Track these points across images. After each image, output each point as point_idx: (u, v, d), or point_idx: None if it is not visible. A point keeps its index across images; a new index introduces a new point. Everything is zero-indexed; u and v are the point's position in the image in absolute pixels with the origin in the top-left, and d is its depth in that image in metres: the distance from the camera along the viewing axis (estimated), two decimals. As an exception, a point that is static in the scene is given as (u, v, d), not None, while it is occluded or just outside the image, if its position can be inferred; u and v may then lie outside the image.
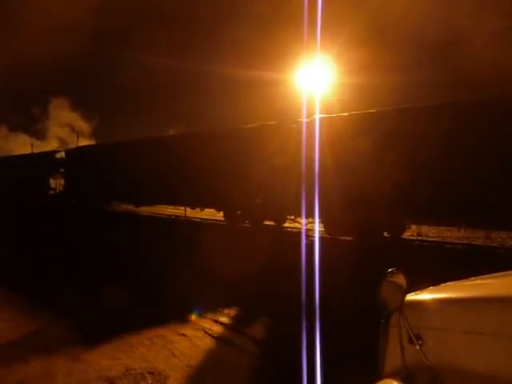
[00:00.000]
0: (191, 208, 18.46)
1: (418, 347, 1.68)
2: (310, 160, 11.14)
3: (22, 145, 40.83)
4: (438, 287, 2.00)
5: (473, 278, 2.10)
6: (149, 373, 3.69)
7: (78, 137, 39.28)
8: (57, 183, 26.23)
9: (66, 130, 43.78)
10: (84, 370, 3.74)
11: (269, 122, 13.82)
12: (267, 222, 14.57)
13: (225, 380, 3.64)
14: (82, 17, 37.23)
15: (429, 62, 25.51)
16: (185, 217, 18.69)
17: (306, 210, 11.37)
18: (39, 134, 43.54)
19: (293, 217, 13.92)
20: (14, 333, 4.65)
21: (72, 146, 36.25)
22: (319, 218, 11.99)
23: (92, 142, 36.24)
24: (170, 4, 42.63)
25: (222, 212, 16.37)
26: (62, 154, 25.44)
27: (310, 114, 12.24)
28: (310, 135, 11.53)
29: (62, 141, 42.95)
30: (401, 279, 1.80)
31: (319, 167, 11.08)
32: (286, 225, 14.69)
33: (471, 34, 23.01)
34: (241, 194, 13.40)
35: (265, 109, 27.15)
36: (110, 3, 37.58)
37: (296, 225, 14.35)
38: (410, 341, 1.71)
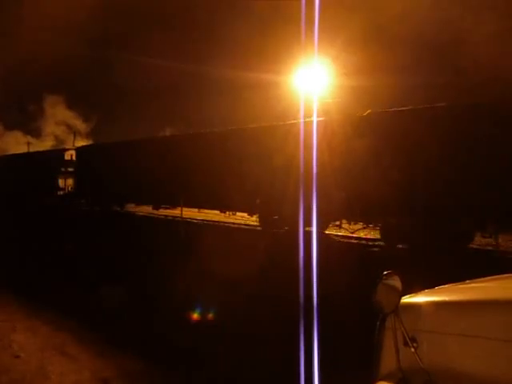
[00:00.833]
0: (221, 211, 16.16)
1: (413, 350, 1.68)
2: (361, 161, 10.47)
3: (17, 143, 40.73)
4: (433, 290, 2.00)
5: (468, 281, 2.10)
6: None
7: (74, 136, 39.16)
8: (66, 183, 24.49)
9: (62, 129, 43.67)
10: (78, 370, 3.73)
11: (312, 119, 11.80)
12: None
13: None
14: (79, 17, 37.17)
15: (427, 64, 25.59)
16: (216, 221, 16.69)
17: (354, 214, 10.54)
18: (35, 133, 43.42)
19: (338, 222, 12.31)
20: (9, 332, 4.64)
21: (68, 145, 36.20)
22: (374, 223, 11.33)
23: (89, 142, 36.14)
24: (168, 5, 42.60)
25: (251, 216, 14.53)
26: (71, 152, 24.19)
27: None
28: (362, 134, 10.63)
29: (58, 140, 42.85)
30: (396, 282, 1.79)
31: (374, 169, 10.21)
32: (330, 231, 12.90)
33: (469, 35, 23.09)
34: (279, 197, 11.97)
35: (263, 110, 27.14)
36: (107, 4, 37.55)
37: (340, 231, 12.69)
38: (405, 343, 1.70)
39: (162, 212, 19.04)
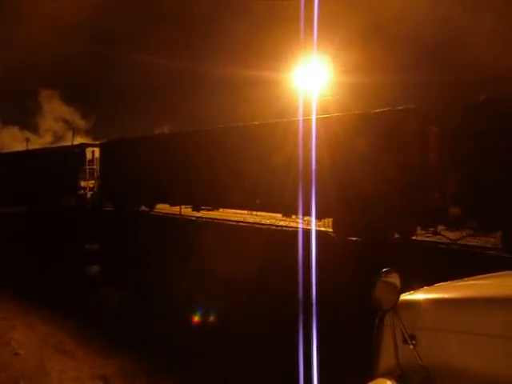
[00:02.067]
0: (284, 215, 13.92)
1: (411, 347, 1.68)
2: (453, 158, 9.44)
3: (15, 139, 40.58)
4: (432, 287, 2.00)
5: (466, 279, 2.10)
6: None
7: (73, 133, 39.03)
8: (87, 182, 21.83)
9: (61, 125, 43.54)
10: (77, 368, 3.73)
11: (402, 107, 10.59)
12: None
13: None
14: (79, 14, 37.05)
15: (426, 62, 25.59)
16: (277, 226, 14.53)
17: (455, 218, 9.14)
18: (33, 129, 43.22)
19: (432, 229, 10.34)
20: (9, 330, 4.64)
21: (67, 142, 36.09)
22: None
23: (88, 139, 36.02)
24: (167, 3, 42.49)
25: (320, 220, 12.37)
26: (93, 148, 21.65)
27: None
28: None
29: (57, 137, 42.71)
30: (395, 279, 1.80)
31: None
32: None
33: (469, 34, 23.08)
34: (364, 200, 10.49)
35: (261, 108, 27.10)
36: (107, 2, 37.44)
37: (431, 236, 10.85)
38: (404, 341, 1.71)
39: (205, 214, 16.58)
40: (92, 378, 3.54)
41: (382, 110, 11.09)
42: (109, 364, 3.79)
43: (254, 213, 16.03)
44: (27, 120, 42.10)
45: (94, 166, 21.25)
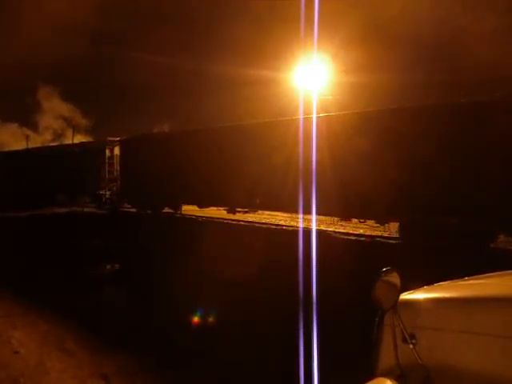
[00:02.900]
0: (341, 219, 12.30)
1: (411, 346, 1.69)
2: None
3: (13, 137, 40.52)
4: (431, 287, 2.01)
5: (466, 278, 2.11)
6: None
7: (73, 131, 38.98)
8: (106, 181, 19.91)
9: (61, 125, 43.50)
10: (77, 366, 3.74)
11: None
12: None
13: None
14: (80, 13, 37.04)
15: (426, 62, 25.57)
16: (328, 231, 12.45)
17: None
18: (33, 127, 43.16)
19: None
20: (9, 328, 4.64)
21: (67, 140, 36.02)
22: None
23: (88, 138, 35.97)
24: (167, 3, 42.45)
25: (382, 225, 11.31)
26: (113, 145, 19.82)
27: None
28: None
29: (57, 135, 42.67)
30: (395, 278, 1.80)
31: None
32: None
33: (469, 34, 23.06)
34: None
35: (262, 107, 27.08)
36: (106, 2, 37.39)
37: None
38: (404, 340, 1.71)
39: (242, 216, 14.89)
40: (92, 377, 3.54)
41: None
42: (109, 363, 3.80)
43: (297, 215, 13.59)
44: (27, 118, 42.12)
45: (114, 165, 19.61)
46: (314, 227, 11.38)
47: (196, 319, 4.82)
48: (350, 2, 30.22)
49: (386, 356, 1.83)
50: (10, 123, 41.57)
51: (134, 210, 18.34)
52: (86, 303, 5.48)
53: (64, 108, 42.35)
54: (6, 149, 33.63)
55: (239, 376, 3.65)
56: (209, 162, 14.10)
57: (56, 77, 41.01)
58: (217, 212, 15.84)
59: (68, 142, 30.84)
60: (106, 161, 19.72)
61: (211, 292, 5.44)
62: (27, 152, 28.09)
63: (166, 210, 17.20)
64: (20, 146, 35.63)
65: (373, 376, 1.79)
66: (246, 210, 14.39)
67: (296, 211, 12.17)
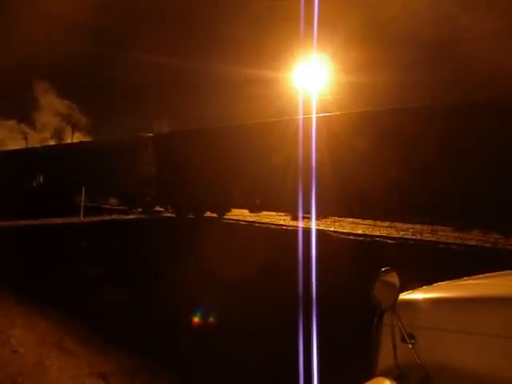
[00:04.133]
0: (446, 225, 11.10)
1: (410, 346, 1.69)
2: None
3: (12, 135, 40.49)
4: (430, 287, 2.01)
5: (466, 278, 2.11)
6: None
7: (73, 130, 38.93)
8: (133, 182, 17.08)
9: (60, 123, 43.47)
10: (77, 365, 3.74)
11: None
12: None
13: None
14: (77, 14, 37.01)
15: (426, 62, 25.56)
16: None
17: None
18: (31, 125, 43.16)
19: None
20: (8, 327, 4.64)
21: (67, 139, 35.93)
22: None
23: (88, 137, 35.90)
24: (167, 2, 42.43)
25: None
26: (145, 141, 17.48)
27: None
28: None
29: (56, 133, 42.65)
30: (394, 278, 1.80)
31: None
32: None
33: (468, 33, 23.07)
34: None
35: (261, 107, 27.07)
36: (107, 2, 37.37)
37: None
38: (403, 340, 1.72)
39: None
40: (91, 376, 3.54)
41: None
42: (108, 362, 3.80)
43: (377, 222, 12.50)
44: (25, 116, 42.11)
45: (146, 163, 17.14)
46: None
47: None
48: (350, 2, 30.24)
49: (385, 356, 1.83)
50: (9, 121, 41.58)
51: (163, 213, 16.99)
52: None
53: (63, 107, 42.34)
54: (6, 148, 33.60)
55: (239, 376, 3.65)
56: (266, 160, 12.34)
57: (56, 76, 40.98)
58: (270, 216, 14.44)
59: (68, 141, 30.72)
60: (139, 159, 17.23)
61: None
62: (43, 150, 25.98)
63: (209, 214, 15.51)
64: (19, 144, 35.62)
65: (372, 376, 1.79)
66: (308, 215, 12.22)
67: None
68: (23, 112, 43.21)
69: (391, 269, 1.82)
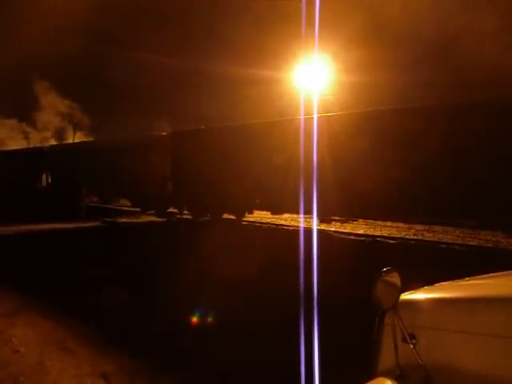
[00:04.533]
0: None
1: (411, 346, 1.69)
2: None
3: (12, 134, 40.55)
4: (432, 287, 2.01)
5: (467, 278, 2.11)
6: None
7: (74, 129, 38.96)
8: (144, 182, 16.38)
9: (61, 123, 43.50)
10: (78, 365, 3.74)
11: None
12: None
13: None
14: (78, 14, 37.06)
15: (427, 61, 25.54)
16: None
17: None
18: (32, 125, 43.19)
19: None
20: (9, 327, 4.64)
21: (68, 138, 35.94)
22: None
23: (87, 137, 35.92)
24: (168, 2, 42.47)
25: None
26: (159, 139, 16.61)
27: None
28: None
29: (57, 133, 42.69)
30: (395, 278, 1.80)
31: None
32: None
33: (469, 33, 23.05)
34: None
35: (262, 106, 27.07)
36: (108, 1, 37.41)
37: None
38: (404, 340, 1.71)
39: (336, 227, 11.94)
40: (92, 376, 3.55)
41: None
42: (109, 362, 3.80)
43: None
44: (27, 116, 42.16)
45: (160, 163, 16.27)
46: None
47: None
48: (351, 2, 30.23)
49: (386, 356, 1.83)
50: (9, 120, 41.62)
51: (177, 215, 16.13)
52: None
53: (64, 106, 42.37)
54: (7, 147, 33.62)
55: (239, 376, 3.65)
56: (285, 159, 11.63)
57: (57, 76, 41.03)
58: (291, 218, 13.58)
59: (69, 140, 30.70)
60: (153, 159, 16.44)
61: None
62: (51, 150, 25.06)
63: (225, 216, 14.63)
64: (21, 144, 35.67)
65: (373, 376, 1.79)
66: (343, 218, 11.67)
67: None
68: (24, 111, 43.26)
69: (392, 269, 1.82)
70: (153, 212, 16.59)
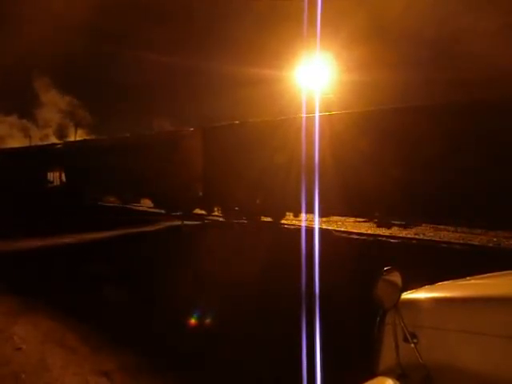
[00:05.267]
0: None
1: (412, 345, 1.69)
2: None
3: (13, 132, 40.52)
4: (433, 286, 2.01)
5: (468, 278, 2.11)
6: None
7: (76, 129, 38.98)
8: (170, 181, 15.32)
9: (63, 121, 43.49)
10: (79, 363, 3.75)
11: None
12: None
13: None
14: (79, 13, 37.07)
15: (428, 60, 25.51)
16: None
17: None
18: (34, 123, 43.17)
19: None
20: (11, 325, 4.66)
21: (69, 137, 35.95)
22: None
23: (88, 136, 35.90)
24: (169, 1, 42.44)
25: None
26: (188, 135, 15.58)
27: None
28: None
29: (58, 131, 42.69)
30: (397, 277, 1.80)
31: None
32: None
33: (471, 32, 23.01)
34: None
35: (264, 105, 27.05)
36: (107, 1, 37.40)
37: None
38: (405, 339, 1.71)
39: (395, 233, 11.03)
40: (93, 374, 3.56)
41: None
42: (110, 360, 3.81)
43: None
44: (30, 114, 42.18)
45: (189, 161, 15.02)
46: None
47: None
48: (353, 1, 30.19)
49: (387, 355, 1.83)
50: (10, 117, 41.59)
51: (207, 217, 15.28)
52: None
53: (65, 104, 42.35)
54: (7, 146, 33.61)
55: (239, 376, 3.66)
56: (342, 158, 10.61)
57: (59, 74, 41.05)
58: (339, 221, 12.65)
59: (70, 139, 30.68)
60: (178, 156, 15.24)
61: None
62: (65, 147, 23.52)
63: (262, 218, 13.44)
64: (22, 142, 35.69)
65: (374, 375, 1.79)
66: (404, 223, 10.84)
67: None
68: (26, 109, 43.26)
69: (394, 268, 1.82)
70: (178, 213, 15.39)
